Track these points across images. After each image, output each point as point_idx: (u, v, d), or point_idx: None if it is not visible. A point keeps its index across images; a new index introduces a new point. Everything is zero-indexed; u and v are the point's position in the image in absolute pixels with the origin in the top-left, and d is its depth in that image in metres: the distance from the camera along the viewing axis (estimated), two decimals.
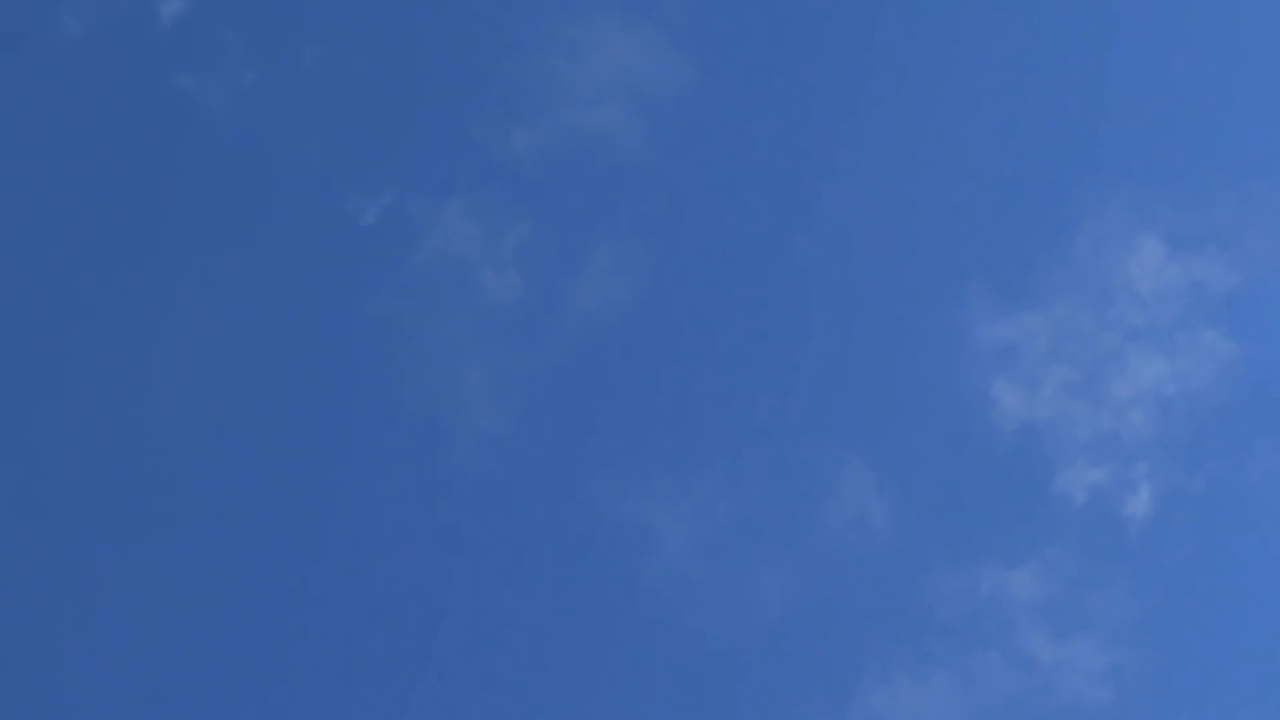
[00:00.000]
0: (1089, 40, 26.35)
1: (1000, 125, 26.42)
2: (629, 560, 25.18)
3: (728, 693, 24.84)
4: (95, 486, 24.11)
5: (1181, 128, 26.45)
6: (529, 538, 25.32)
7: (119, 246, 24.92)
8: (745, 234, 26.20)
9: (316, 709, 23.78)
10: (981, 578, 25.26)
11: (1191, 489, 25.49)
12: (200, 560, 24.32)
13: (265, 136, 25.37)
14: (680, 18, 25.84)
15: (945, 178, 26.39)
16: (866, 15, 26.21)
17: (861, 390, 25.96)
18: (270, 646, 24.06)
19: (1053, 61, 26.54)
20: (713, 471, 25.44)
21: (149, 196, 25.24)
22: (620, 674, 24.74)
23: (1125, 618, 25.27)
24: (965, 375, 25.99)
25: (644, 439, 25.54)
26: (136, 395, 24.68)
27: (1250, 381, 25.37)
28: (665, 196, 26.06)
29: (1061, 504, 25.69)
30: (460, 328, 25.64)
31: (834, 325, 26.19)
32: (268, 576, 24.41)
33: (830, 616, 25.17)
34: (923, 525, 25.55)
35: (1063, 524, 25.64)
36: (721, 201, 26.20)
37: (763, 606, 25.13)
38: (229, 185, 25.47)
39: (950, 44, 26.26)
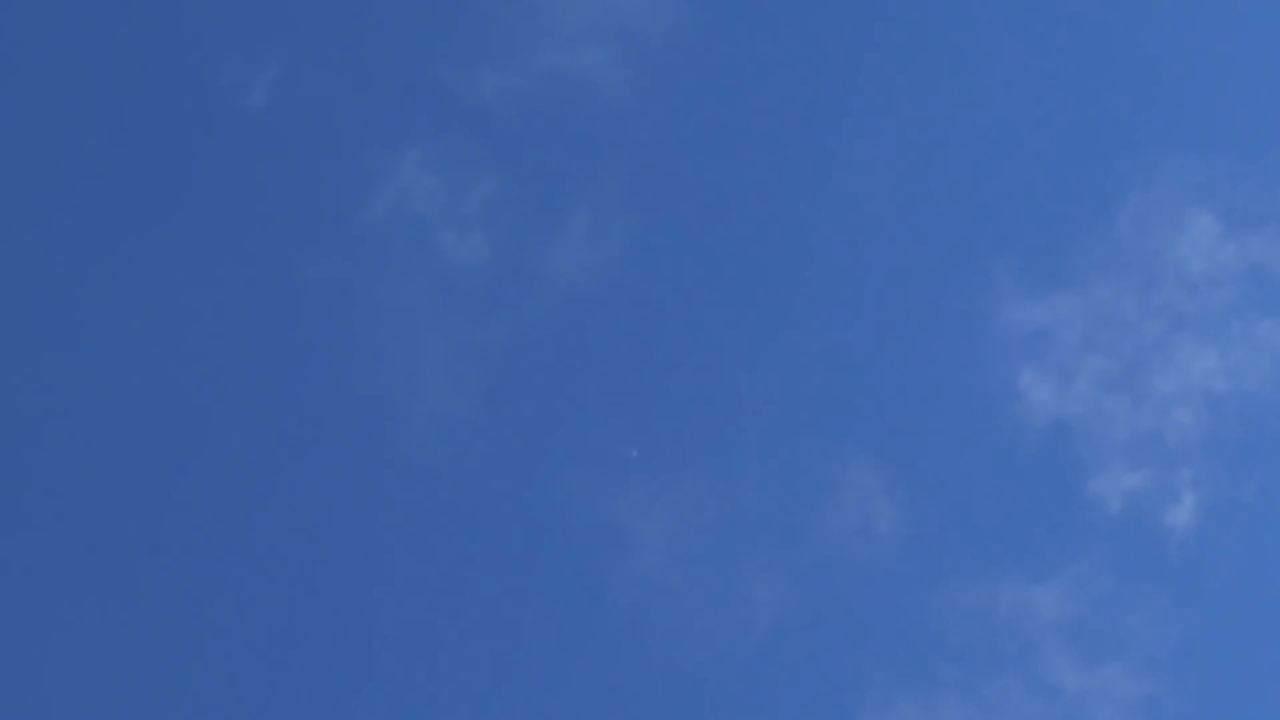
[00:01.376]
0: None
1: (1034, 83, 26.56)
2: (601, 566, 24.99)
3: (711, 715, 24.77)
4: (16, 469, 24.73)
5: (1239, 88, 26.59)
6: (488, 538, 25.17)
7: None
8: (743, 197, 26.24)
9: (253, 702, 24.28)
10: (1001, 594, 25.02)
11: (1241, 498, 25.44)
12: (130, 544, 24.70)
13: (212, 85, 25.97)
14: None
15: (970, 140, 26.44)
16: None
17: (870, 379, 25.83)
18: (202, 635, 24.48)
19: (1094, 11, 26.77)
20: (698, 467, 25.34)
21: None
22: (589, 695, 24.64)
23: (1163, 642, 25.04)
24: (989, 365, 25.82)
25: (622, 428, 25.37)
26: (44, 388, 25.13)
27: None
28: (653, 150, 26.18)
29: (1094, 512, 25.49)
30: (416, 296, 25.63)
31: (840, 305, 26.10)
32: (198, 571, 24.77)
33: (828, 634, 25.00)
34: (935, 533, 25.35)
35: (1095, 534, 25.44)
36: (717, 158, 26.29)
37: (752, 622, 24.94)
38: (168, 146, 25.94)
39: None
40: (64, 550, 24.59)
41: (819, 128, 26.27)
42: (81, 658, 24.15)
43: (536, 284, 25.77)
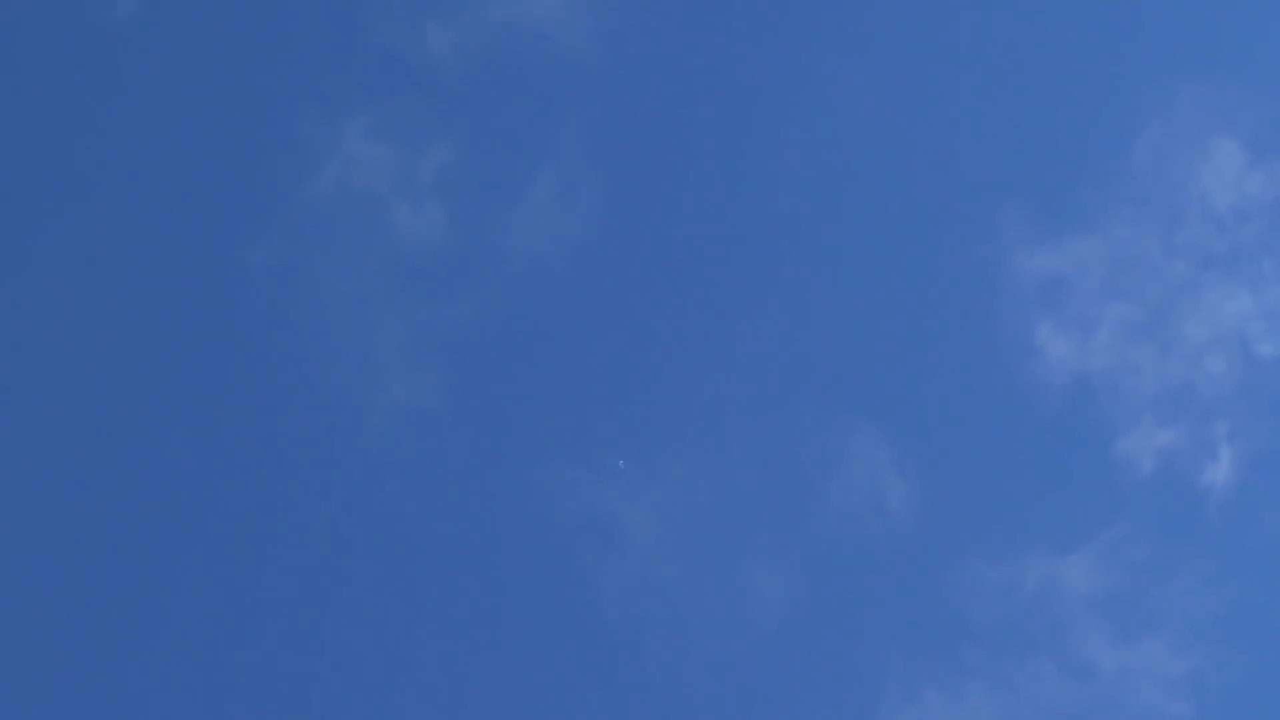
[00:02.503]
0: None
1: (1037, 2, 26.65)
2: (586, 564, 25.05)
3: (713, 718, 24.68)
4: None
5: (1260, 2, 26.55)
6: (460, 539, 25.24)
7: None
8: (723, 151, 26.36)
9: (208, 701, 24.51)
10: (1027, 569, 25.04)
11: None
12: (69, 543, 24.95)
13: (151, 53, 26.24)
14: None
15: (970, 70, 26.58)
16: None
17: (870, 342, 25.86)
18: (147, 634, 24.61)
19: None
20: (688, 450, 25.45)
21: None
22: (578, 705, 24.65)
23: (1206, 612, 25.11)
24: (1001, 319, 25.95)
25: (601, 412, 25.49)
26: None
27: None
28: (620, 106, 26.34)
29: (1124, 474, 25.52)
30: (368, 278, 25.81)
31: (835, 262, 26.19)
32: (141, 573, 24.90)
33: (841, 623, 25.02)
34: (952, 507, 25.40)
35: (1126, 499, 25.47)
36: (691, 110, 26.47)
37: (756, 616, 25.01)
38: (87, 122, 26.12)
39: None
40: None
41: (803, 65, 26.41)
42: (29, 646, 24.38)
43: (500, 259, 25.86)
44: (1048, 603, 24.86)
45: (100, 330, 25.40)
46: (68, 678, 24.22)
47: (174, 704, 24.35)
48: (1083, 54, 26.50)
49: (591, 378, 25.60)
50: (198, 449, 25.05)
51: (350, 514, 25.10)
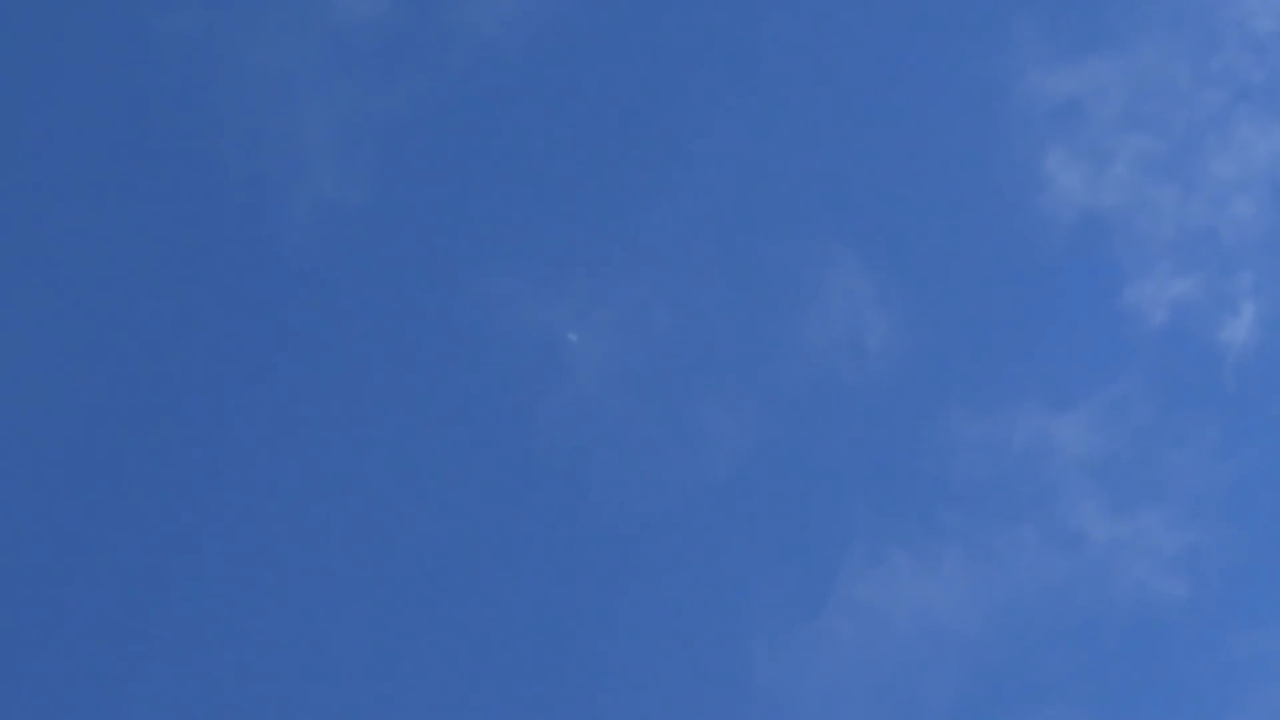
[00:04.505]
0: None
1: None
2: (527, 390, 24.72)
3: (663, 573, 24.42)
4: None
5: None
6: (385, 352, 24.88)
7: None
8: None
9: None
10: (1015, 424, 24.82)
11: None
12: None
13: None
14: None
15: None
16: None
17: (858, 160, 25.76)
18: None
19: None
20: (645, 268, 25.33)
21: None
22: (509, 544, 24.17)
23: (1209, 484, 25.00)
24: (1008, 143, 25.85)
25: (551, 219, 25.27)
26: None
27: None
28: None
29: (1132, 326, 25.49)
30: (296, 56, 25.35)
31: (825, 62, 25.94)
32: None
33: (804, 474, 24.82)
34: (937, 350, 25.23)
35: (1132, 353, 25.41)
36: None
37: (712, 457, 24.79)
38: None
39: None
40: None
41: None
42: None
43: (447, 39, 25.54)
44: (1036, 464, 24.83)
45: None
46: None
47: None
48: None
49: (542, 181, 25.49)
50: (103, 237, 24.64)
51: (265, 321, 24.67)
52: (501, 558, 24.77)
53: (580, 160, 25.85)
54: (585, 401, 25.04)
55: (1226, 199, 25.88)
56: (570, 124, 25.92)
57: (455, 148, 25.71)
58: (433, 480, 24.77)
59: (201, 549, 24.57)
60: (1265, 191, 25.94)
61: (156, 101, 25.49)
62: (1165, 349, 25.52)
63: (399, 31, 25.69)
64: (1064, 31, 26.25)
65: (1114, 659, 24.89)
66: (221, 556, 24.47)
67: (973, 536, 24.61)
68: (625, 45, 26.02)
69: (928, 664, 24.92)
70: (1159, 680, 24.91)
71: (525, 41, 25.81)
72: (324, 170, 25.33)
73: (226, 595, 24.42)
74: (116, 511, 24.60)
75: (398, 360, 25.11)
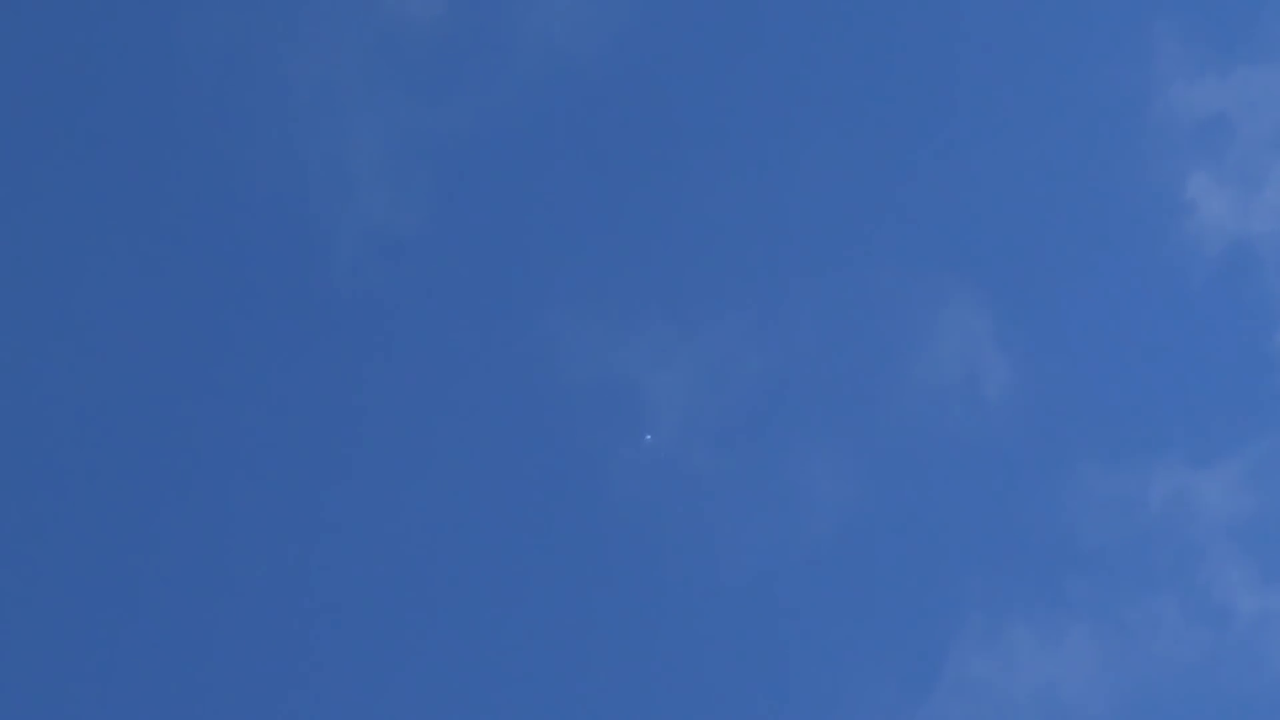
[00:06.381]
0: None
1: None
2: (597, 442, 24.08)
3: (751, 653, 23.72)
4: None
5: None
6: (442, 399, 24.17)
7: None
8: None
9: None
10: (1152, 481, 24.03)
11: None
12: None
13: None
14: None
15: None
16: None
17: (976, 185, 24.82)
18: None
19: None
20: (734, 308, 24.59)
21: None
22: (579, 611, 23.23)
23: None
24: (1146, 164, 24.91)
25: (627, 250, 24.46)
26: None
27: None
28: None
29: None
30: (344, 67, 24.76)
31: (942, 75, 24.95)
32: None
33: (912, 538, 24.07)
34: (1063, 398, 24.34)
35: None
36: None
37: (808, 520, 24.09)
38: None
39: None
40: None
41: None
42: None
43: (510, 50, 24.88)
44: (1175, 526, 24.19)
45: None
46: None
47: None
48: None
49: (618, 209, 24.79)
50: (121, 278, 24.03)
51: (306, 365, 23.94)
52: (561, 640, 23.81)
53: (660, 184, 25.30)
54: (664, 457, 24.49)
55: None
56: (650, 143, 25.39)
57: (520, 169, 25.09)
58: (488, 549, 23.92)
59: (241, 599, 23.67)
60: None
61: (182, 118, 25.14)
62: None
63: (456, 36, 25.30)
64: (1210, 39, 25.68)
65: None
66: (238, 604, 23.61)
67: (1103, 608, 23.99)
68: (713, 54, 25.31)
69: None
70: None
71: (600, 48, 25.35)
72: (372, 194, 24.80)
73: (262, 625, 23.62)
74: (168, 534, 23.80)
75: (452, 410, 24.74)
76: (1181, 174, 25.23)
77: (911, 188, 25.46)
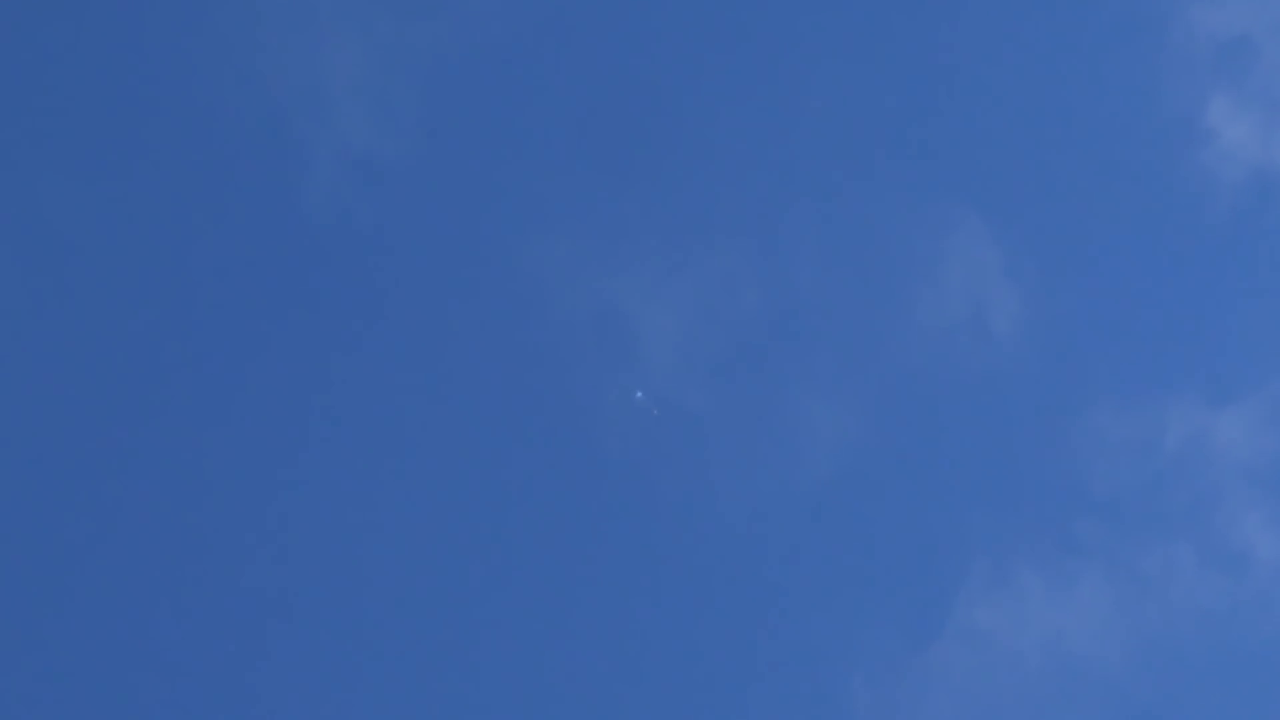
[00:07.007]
0: None
1: None
2: (587, 374, 22.68)
3: (746, 596, 22.81)
4: None
5: None
6: (427, 328, 22.95)
7: None
8: None
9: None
10: (1168, 422, 23.98)
11: None
12: None
13: None
14: None
15: None
16: None
17: (988, 108, 23.62)
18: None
19: None
20: (730, 237, 23.51)
21: None
22: (568, 558, 22.39)
23: None
24: (1165, 89, 25.04)
25: (622, 174, 23.04)
26: None
27: None
28: None
29: None
30: None
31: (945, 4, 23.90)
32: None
33: (917, 479, 23.50)
34: (1075, 333, 23.79)
35: None
36: None
37: (807, 458, 23.08)
38: None
39: None
40: None
41: None
42: None
43: None
44: (1192, 469, 24.84)
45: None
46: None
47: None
48: None
49: (612, 130, 23.46)
50: (109, 189, 22.39)
51: (285, 293, 22.46)
52: (552, 574, 22.86)
53: (658, 104, 23.77)
54: (656, 392, 22.79)
55: None
56: (647, 61, 23.74)
57: (509, 88, 24.12)
58: (473, 482, 22.79)
59: (214, 542, 22.53)
60: None
61: (151, 34, 22.95)
62: None
63: None
64: None
65: None
66: (236, 547, 22.55)
67: (1116, 554, 24.68)
68: None
69: (1060, 704, 23.37)
70: None
71: None
72: (352, 115, 23.13)
73: (247, 590, 22.47)
74: (139, 480, 22.54)
75: (438, 340, 23.02)
76: (1201, 99, 25.69)
77: (917, 112, 23.87)
